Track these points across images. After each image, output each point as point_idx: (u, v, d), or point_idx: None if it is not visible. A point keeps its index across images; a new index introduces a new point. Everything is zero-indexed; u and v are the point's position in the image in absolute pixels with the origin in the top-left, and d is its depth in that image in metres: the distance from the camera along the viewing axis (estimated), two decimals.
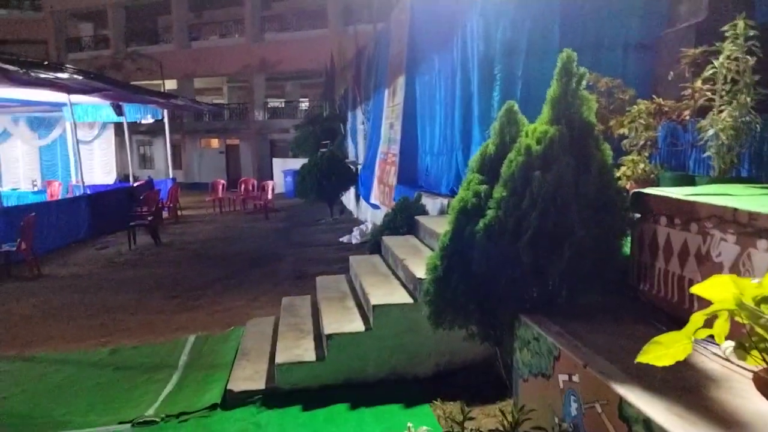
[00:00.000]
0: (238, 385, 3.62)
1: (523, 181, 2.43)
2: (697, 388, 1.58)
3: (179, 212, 14.03)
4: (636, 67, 5.38)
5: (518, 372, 2.40)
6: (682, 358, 1.25)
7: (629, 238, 2.49)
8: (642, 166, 4.34)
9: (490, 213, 2.47)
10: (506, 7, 5.37)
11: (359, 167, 12.30)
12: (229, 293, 6.56)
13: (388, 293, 3.93)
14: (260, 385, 3.61)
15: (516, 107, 2.77)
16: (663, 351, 1.27)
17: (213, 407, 3.45)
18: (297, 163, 15.92)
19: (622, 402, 1.58)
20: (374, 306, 3.67)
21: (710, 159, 4.00)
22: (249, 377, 3.73)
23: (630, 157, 4.41)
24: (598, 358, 1.86)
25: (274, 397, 3.49)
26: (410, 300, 3.72)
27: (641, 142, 4.52)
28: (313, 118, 20.32)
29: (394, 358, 3.65)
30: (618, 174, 4.29)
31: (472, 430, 2.11)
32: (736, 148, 3.86)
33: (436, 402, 3.01)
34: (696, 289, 1.23)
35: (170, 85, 26.13)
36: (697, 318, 1.21)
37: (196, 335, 4.97)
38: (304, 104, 28.08)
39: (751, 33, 3.78)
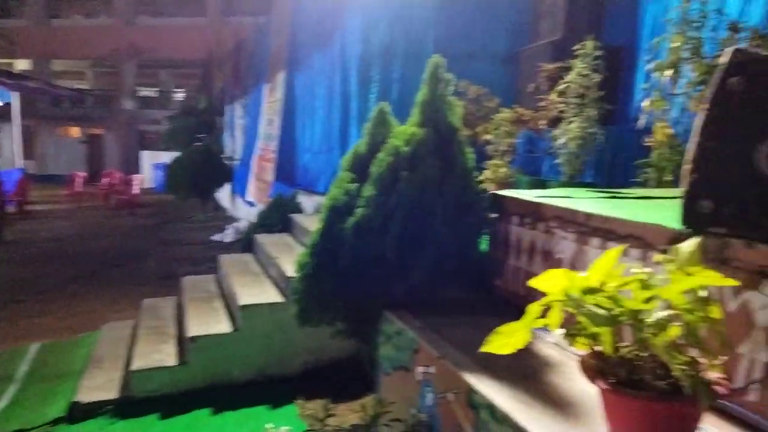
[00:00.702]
0: (87, 395, 3.32)
1: (391, 181, 2.48)
2: (536, 374, 1.71)
3: (28, 206, 12.62)
4: (502, 77, 5.74)
5: (382, 366, 2.44)
6: (521, 347, 1.33)
7: (488, 237, 2.64)
8: (503, 170, 4.64)
9: (359, 211, 2.49)
10: (384, 12, 5.48)
11: (236, 163, 11.90)
12: (85, 296, 6.01)
13: (258, 293, 3.83)
14: (113, 394, 3.34)
15: (387, 109, 2.82)
16: (505, 340, 1.35)
17: (57, 422, 3.13)
18: (169, 157, 15.06)
19: (471, 390, 1.67)
20: (242, 306, 3.56)
21: (561, 165, 4.38)
22: (100, 386, 3.43)
23: (493, 162, 4.70)
24: (453, 350, 1.94)
25: (129, 406, 3.25)
26: (281, 299, 3.65)
27: (503, 148, 4.83)
28: (189, 109, 19.32)
29: (263, 358, 3.56)
30: (482, 177, 4.55)
31: (333, 426, 2.12)
32: (582, 156, 4.27)
33: (300, 401, 2.98)
34: (533, 283, 1.32)
35: (24, 65, 23.47)
36: (534, 309, 1.29)
37: (42, 343, 4.48)
38: (180, 95, 26.61)
39: (598, 53, 4.20)
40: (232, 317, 3.78)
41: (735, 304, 1.42)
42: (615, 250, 1.23)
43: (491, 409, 1.57)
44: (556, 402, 1.55)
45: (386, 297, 2.50)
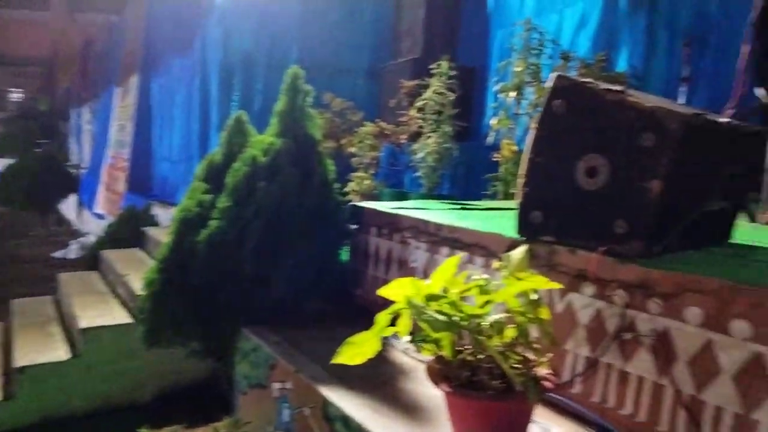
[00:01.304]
0: None
1: (247, 191, 2.40)
2: (390, 382, 1.75)
3: None
4: (366, 92, 5.87)
5: (238, 385, 2.35)
6: (372, 356, 1.34)
7: (348, 248, 2.66)
8: (367, 182, 4.73)
9: (213, 223, 2.38)
10: (246, 20, 5.37)
11: (83, 171, 10.87)
12: None
13: (102, 314, 3.50)
14: None
15: (245, 117, 2.74)
16: (356, 350, 1.35)
17: None
18: (2, 164, 13.33)
19: (325, 403, 1.66)
20: (83, 329, 3.23)
21: (420, 178, 4.57)
22: None
23: (358, 174, 4.78)
24: (310, 364, 1.92)
25: None
26: (129, 320, 3.37)
27: (367, 161, 4.93)
28: (28, 112, 17.33)
29: (108, 386, 3.26)
30: (347, 189, 4.60)
31: None
32: (439, 169, 4.49)
33: (144, 429, 2.76)
34: (382, 292, 1.34)
35: None
36: (382, 318, 1.32)
37: None
38: (17, 95, 23.76)
39: (453, 72, 4.46)
40: (72, 342, 3.42)
41: (561, 305, 1.56)
42: (454, 258, 1.29)
43: (345, 420, 1.57)
44: (407, 408, 1.59)
45: (245, 312, 2.41)
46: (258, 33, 5.42)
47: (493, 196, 3.93)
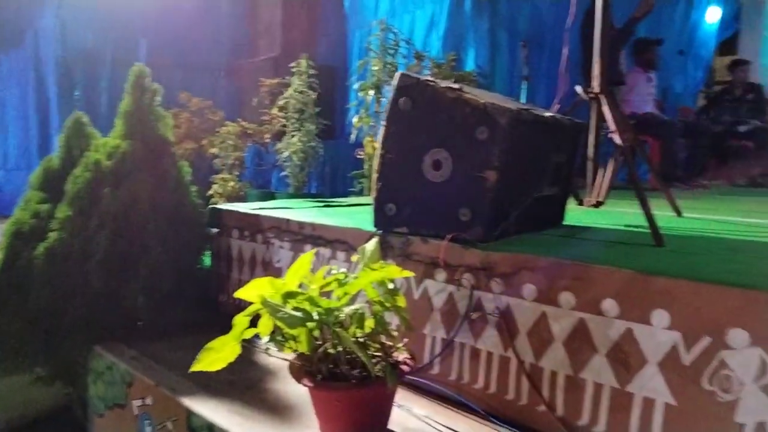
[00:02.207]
0: None
1: (91, 199, 2.22)
2: (257, 384, 1.72)
3: None
4: (225, 90, 5.69)
5: (94, 408, 2.17)
6: (232, 360, 1.31)
7: (210, 253, 2.57)
8: (232, 184, 4.58)
9: (52, 235, 2.17)
10: (86, 12, 4.93)
11: None
12: None
13: None
14: None
15: (85, 118, 2.53)
16: (215, 356, 1.31)
17: None
18: None
19: (189, 414, 1.59)
20: None
21: (287, 178, 4.53)
22: None
23: (221, 176, 4.61)
24: (173, 376, 1.83)
25: None
26: None
27: (231, 162, 4.78)
28: None
29: None
30: (211, 192, 4.43)
31: None
32: (306, 168, 4.49)
33: None
34: (239, 294, 1.32)
35: None
36: (241, 320, 1.30)
37: None
38: None
39: (313, 71, 4.46)
40: None
41: (418, 292, 1.64)
42: (307, 255, 1.31)
43: (211, 429, 1.52)
44: (276, 408, 1.58)
45: (95, 330, 2.22)
46: (101, 26, 5.00)
47: (360, 193, 4.01)
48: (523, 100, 4.17)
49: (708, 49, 7.43)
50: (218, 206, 2.52)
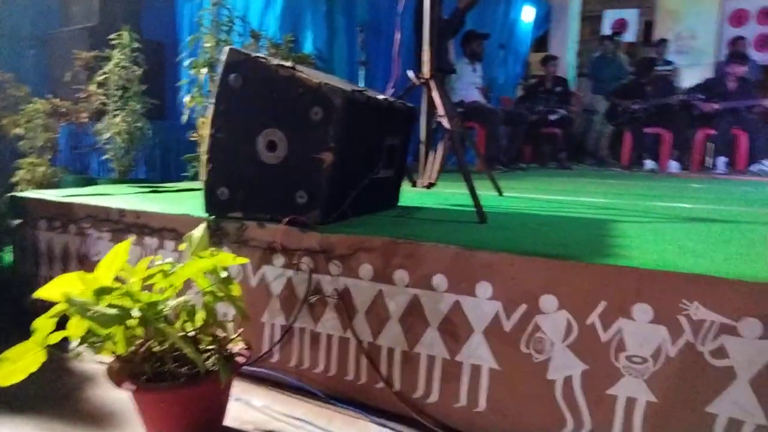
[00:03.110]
0: None
1: None
2: (71, 394, 1.53)
3: None
4: (31, 62, 4.97)
5: None
6: (35, 369, 1.14)
7: (12, 248, 2.22)
8: (43, 169, 4.03)
9: None
10: None
11: None
12: None
13: None
14: None
15: None
16: (11, 367, 1.13)
17: None
18: None
19: None
20: None
21: (110, 162, 4.10)
22: None
23: (29, 160, 4.03)
24: None
25: None
26: None
27: (41, 144, 4.19)
28: None
29: None
30: (16, 178, 3.85)
31: None
32: (132, 151, 4.09)
33: None
34: (40, 293, 1.15)
35: None
36: (43, 323, 1.13)
37: None
38: None
39: (137, 45, 4.06)
40: None
41: (256, 279, 1.57)
42: (123, 244, 1.18)
43: None
44: (94, 420, 1.41)
45: None
46: None
47: (194, 178, 3.77)
48: (361, 84, 4.23)
49: (525, 45, 8.22)
50: (20, 194, 2.18)
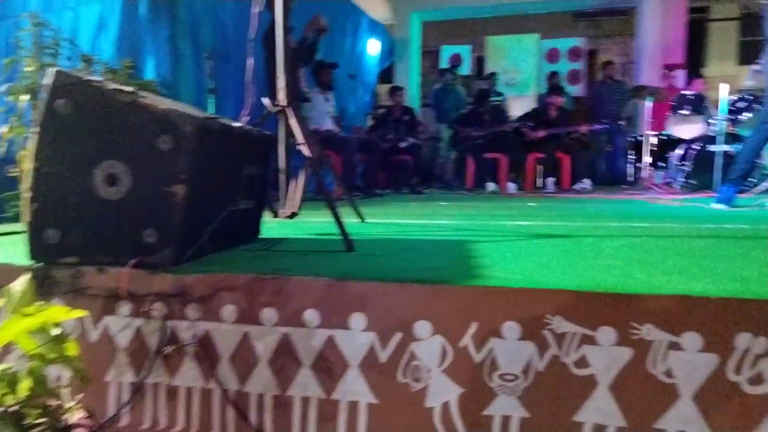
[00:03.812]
0: None
1: None
2: None
3: None
4: None
5: None
6: None
7: None
8: None
9: None
10: None
11: None
12: None
13: None
14: None
15: None
16: None
17: None
18: None
19: None
20: None
21: None
22: None
23: None
24: None
25: None
26: None
27: None
28: None
29: None
30: None
31: None
32: None
33: None
34: None
35: None
36: None
37: None
38: None
39: None
40: None
41: (97, 333, 1.37)
42: None
43: None
44: None
45: None
46: None
47: (15, 219, 3.28)
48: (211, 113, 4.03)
49: (372, 76, 8.54)
50: None
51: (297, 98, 4.61)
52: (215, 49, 4.14)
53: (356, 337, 1.21)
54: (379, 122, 7.08)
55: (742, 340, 1.05)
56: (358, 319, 1.21)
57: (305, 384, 1.24)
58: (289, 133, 2.03)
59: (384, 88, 8.32)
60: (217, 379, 1.29)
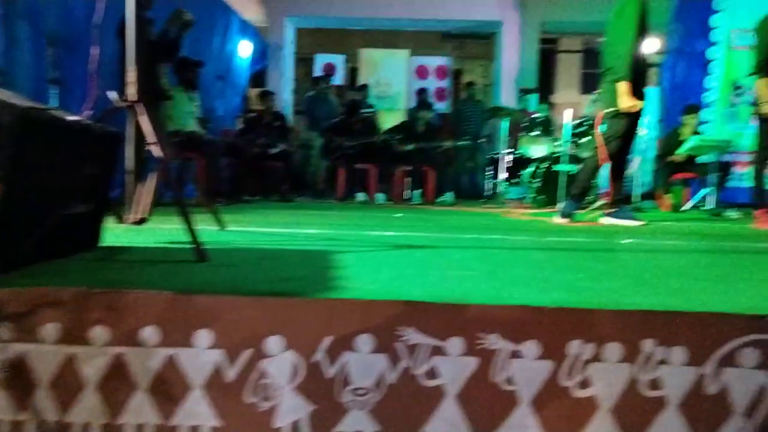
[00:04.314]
0: None
1: None
2: None
3: None
4: None
5: None
6: None
7: None
8: None
9: None
10: None
11: None
12: None
13: None
14: None
15: None
16: None
17: None
18: None
19: None
20: None
21: None
22: None
23: None
24: None
25: None
26: None
27: None
28: None
29: None
30: None
31: None
32: None
33: None
34: None
35: None
36: None
37: None
38: None
39: None
40: None
41: None
42: None
43: None
44: None
45: None
46: None
47: None
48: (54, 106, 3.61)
49: (243, 79, 8.26)
50: None
51: (158, 95, 4.31)
52: (59, 35, 3.72)
53: (201, 356, 1.12)
54: (249, 126, 6.86)
55: (574, 347, 1.13)
56: (203, 336, 1.12)
57: (139, 409, 1.12)
58: (141, 132, 1.87)
59: (255, 92, 8.09)
60: (33, 409, 1.12)
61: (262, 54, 8.80)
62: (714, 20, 6.65)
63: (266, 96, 6.95)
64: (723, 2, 6.62)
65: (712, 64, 6.66)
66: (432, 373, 1.12)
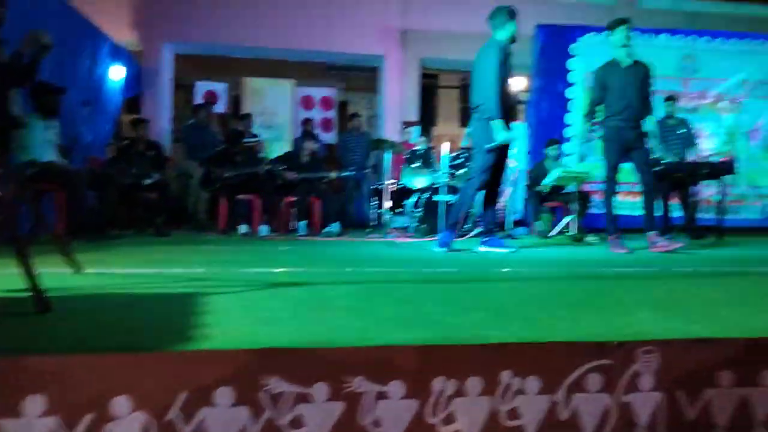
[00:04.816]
0: None
1: None
2: None
3: None
4: None
5: None
6: None
7: None
8: None
9: None
10: None
11: None
12: None
13: None
14: None
15: None
16: None
17: None
18: None
19: None
20: None
21: None
22: None
23: None
24: None
25: None
26: None
27: None
28: None
29: None
30: None
31: None
32: None
33: None
34: None
35: None
36: None
37: None
38: None
39: None
40: None
41: None
42: None
43: None
44: None
45: None
46: None
47: None
48: None
49: (115, 105, 7.76)
50: None
51: (9, 123, 3.89)
52: None
53: (31, 426, 0.99)
54: (120, 155, 6.42)
55: (438, 383, 1.14)
56: (35, 403, 1.00)
57: None
58: None
59: (128, 119, 7.62)
60: None
61: (137, 79, 8.35)
62: (570, 63, 7.37)
63: (139, 123, 6.58)
64: (578, 48, 7.38)
65: (570, 103, 7.35)
66: (297, 422, 1.08)
